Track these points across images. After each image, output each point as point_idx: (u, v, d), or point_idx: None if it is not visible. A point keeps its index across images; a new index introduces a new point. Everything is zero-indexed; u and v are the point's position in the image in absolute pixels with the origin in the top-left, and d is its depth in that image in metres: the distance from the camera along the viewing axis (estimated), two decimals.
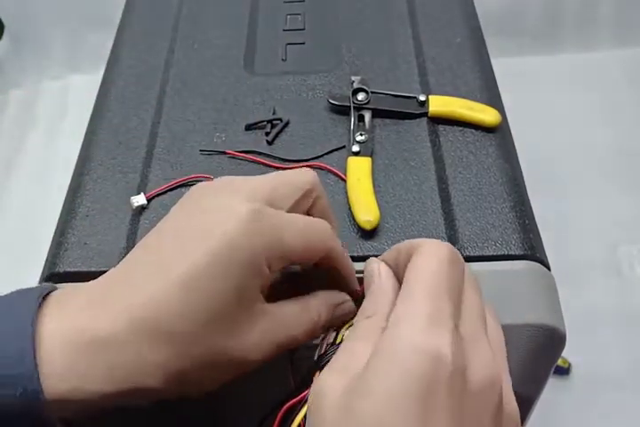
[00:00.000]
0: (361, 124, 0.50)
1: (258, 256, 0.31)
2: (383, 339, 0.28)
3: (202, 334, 0.31)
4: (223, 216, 0.31)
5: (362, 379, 0.27)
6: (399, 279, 0.33)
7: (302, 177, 0.35)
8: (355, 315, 0.34)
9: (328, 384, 0.28)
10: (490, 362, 0.29)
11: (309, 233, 0.34)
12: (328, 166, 0.47)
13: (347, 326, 0.36)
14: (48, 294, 0.32)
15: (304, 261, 0.35)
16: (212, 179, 0.47)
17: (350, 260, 0.37)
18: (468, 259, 0.43)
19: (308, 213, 0.36)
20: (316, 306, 0.35)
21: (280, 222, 0.32)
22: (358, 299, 0.35)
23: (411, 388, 0.26)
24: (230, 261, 0.30)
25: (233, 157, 0.49)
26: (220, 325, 0.31)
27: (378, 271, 0.34)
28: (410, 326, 0.28)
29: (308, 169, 0.37)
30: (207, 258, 0.30)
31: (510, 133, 0.52)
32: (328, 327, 0.36)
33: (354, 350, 0.29)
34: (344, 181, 0.47)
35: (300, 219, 0.34)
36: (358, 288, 0.37)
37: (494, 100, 0.53)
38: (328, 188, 0.46)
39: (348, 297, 0.37)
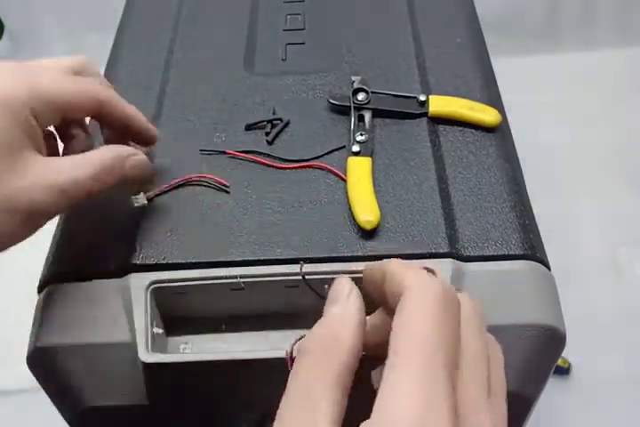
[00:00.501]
0: (361, 124, 0.50)
1: (17, 104, 0.35)
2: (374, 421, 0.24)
3: None
4: None
5: None
6: (376, 300, 0.30)
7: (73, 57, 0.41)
8: None
9: None
10: None
11: (75, 83, 0.39)
12: (328, 166, 0.47)
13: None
14: None
15: (79, 115, 0.40)
16: (213, 178, 0.47)
17: (133, 108, 0.43)
18: (469, 259, 0.43)
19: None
20: (98, 155, 0.39)
21: (40, 72, 0.37)
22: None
23: None
24: None
25: (233, 157, 0.49)
26: None
27: (347, 293, 0.29)
28: (401, 413, 0.23)
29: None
30: None
31: (510, 133, 0.52)
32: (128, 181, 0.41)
33: (310, 396, 0.25)
34: (344, 181, 0.47)
35: (62, 73, 0.39)
36: (150, 129, 0.44)
37: (494, 100, 0.53)
38: (328, 188, 0.46)
39: (138, 152, 0.42)
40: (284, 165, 0.48)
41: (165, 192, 0.47)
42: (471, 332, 0.28)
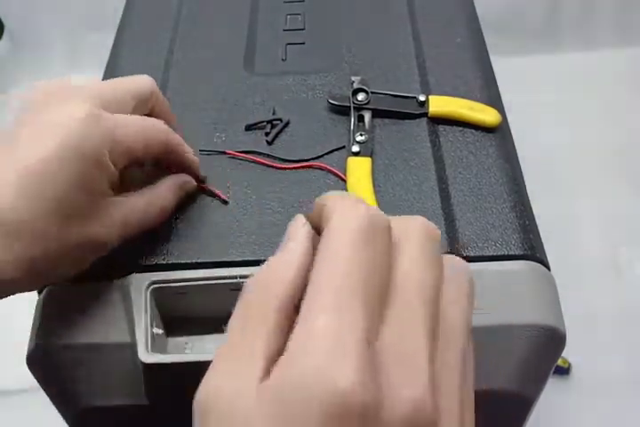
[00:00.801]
0: (361, 124, 0.50)
1: (98, 151, 0.37)
2: (278, 374, 0.23)
3: (45, 225, 0.35)
4: (64, 120, 0.37)
5: (261, 403, 0.22)
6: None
7: (139, 84, 0.42)
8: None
9: (223, 391, 0.24)
10: (418, 380, 0.23)
11: (145, 128, 0.40)
12: (328, 166, 0.47)
13: None
14: None
15: (146, 157, 0.41)
16: (214, 192, 0.47)
17: (191, 152, 0.45)
18: (469, 259, 0.43)
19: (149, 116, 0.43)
20: (163, 190, 0.43)
21: (115, 122, 0.38)
22: None
23: None
24: (70, 156, 0.35)
25: (233, 157, 0.49)
26: (65, 215, 0.35)
27: (296, 227, 0.27)
28: (304, 362, 0.22)
29: (145, 76, 0.43)
30: (47, 153, 0.35)
31: (510, 133, 0.52)
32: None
33: (243, 352, 0.24)
34: (344, 181, 0.46)
35: (134, 118, 0.40)
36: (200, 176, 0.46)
37: (494, 100, 0.53)
38: (328, 188, 0.46)
39: (190, 178, 0.45)
40: (283, 166, 0.48)
41: None
42: (413, 266, 0.25)
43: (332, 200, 0.27)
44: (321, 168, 0.48)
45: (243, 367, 0.24)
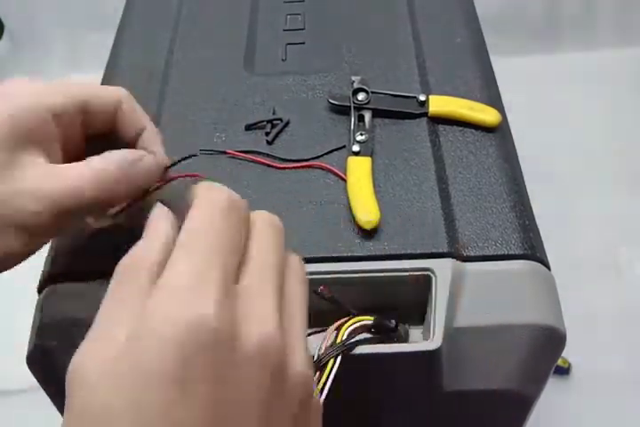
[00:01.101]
0: (361, 124, 0.50)
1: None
2: (144, 312, 0.26)
3: None
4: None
5: (119, 359, 0.25)
6: None
7: (111, 95, 0.40)
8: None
9: (88, 357, 0.26)
10: (268, 320, 0.27)
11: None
12: (328, 166, 0.47)
13: (346, 326, 0.36)
14: None
15: (97, 114, 0.39)
16: (204, 178, 0.44)
17: (139, 112, 0.41)
18: (469, 259, 0.43)
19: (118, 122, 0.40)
20: (101, 161, 0.36)
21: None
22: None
23: (165, 364, 0.24)
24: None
25: (233, 157, 0.49)
26: None
27: (157, 216, 0.31)
28: (169, 294, 0.26)
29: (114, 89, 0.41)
30: None
31: (510, 133, 0.52)
32: (142, 194, 0.39)
33: (112, 316, 0.28)
34: (344, 180, 0.47)
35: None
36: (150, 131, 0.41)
37: (494, 100, 0.53)
38: (328, 188, 0.46)
39: (142, 152, 0.39)
40: (283, 165, 0.48)
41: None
42: (263, 238, 0.31)
43: (199, 186, 0.31)
44: (321, 168, 0.48)
45: (104, 334, 0.27)
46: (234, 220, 0.30)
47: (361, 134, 0.49)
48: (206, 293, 0.26)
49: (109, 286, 0.29)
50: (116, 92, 0.40)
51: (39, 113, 0.36)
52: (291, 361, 0.28)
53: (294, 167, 0.48)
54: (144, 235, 0.30)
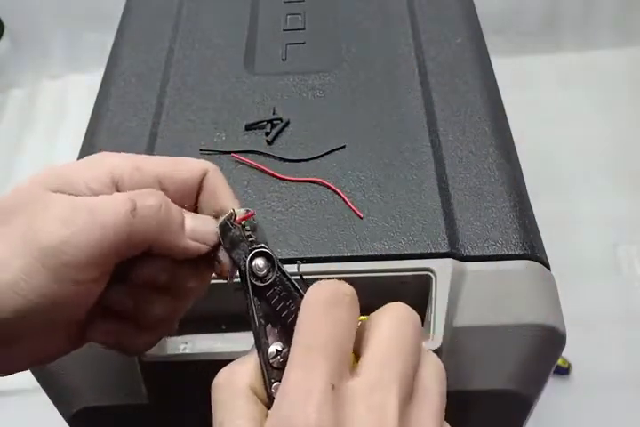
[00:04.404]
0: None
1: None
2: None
3: None
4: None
5: None
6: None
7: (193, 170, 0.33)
8: None
9: None
10: None
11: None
12: (327, 183, 0.46)
13: None
14: None
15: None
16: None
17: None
18: (469, 259, 0.43)
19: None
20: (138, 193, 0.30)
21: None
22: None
23: None
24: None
25: (233, 157, 0.49)
26: None
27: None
28: (278, 412, 0.26)
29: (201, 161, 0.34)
30: None
31: (510, 133, 0.52)
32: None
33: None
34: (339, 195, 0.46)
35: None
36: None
37: (494, 100, 0.53)
38: (327, 189, 0.46)
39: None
40: (283, 176, 0.47)
41: None
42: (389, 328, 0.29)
43: (317, 292, 0.29)
44: (323, 185, 0.47)
45: None
46: (343, 311, 0.28)
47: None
48: (309, 406, 0.25)
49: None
50: (198, 170, 0.34)
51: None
52: None
53: (295, 180, 0.47)
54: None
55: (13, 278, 0.28)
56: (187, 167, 0.33)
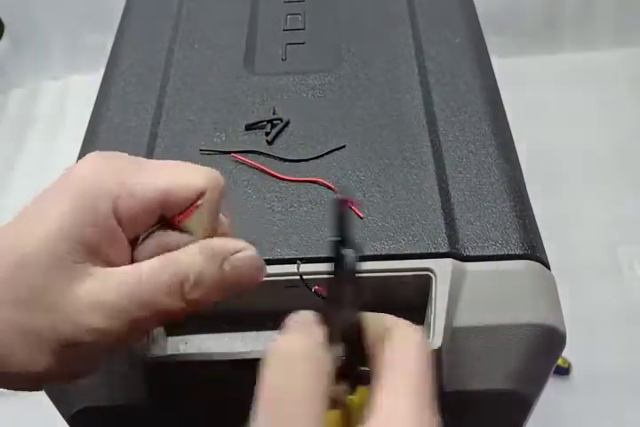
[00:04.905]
0: None
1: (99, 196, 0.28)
2: None
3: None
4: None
5: None
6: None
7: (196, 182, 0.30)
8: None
9: None
10: None
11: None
12: (326, 182, 0.47)
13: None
14: None
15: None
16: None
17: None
18: (469, 259, 0.43)
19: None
20: (187, 259, 0.28)
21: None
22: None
23: None
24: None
25: (233, 157, 0.49)
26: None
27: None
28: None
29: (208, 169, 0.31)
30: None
31: (510, 133, 0.52)
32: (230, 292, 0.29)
33: None
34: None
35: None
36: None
37: (494, 100, 0.53)
38: (327, 188, 0.46)
39: (244, 244, 0.29)
40: (283, 177, 0.47)
41: None
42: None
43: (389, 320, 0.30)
44: (322, 184, 0.47)
45: None
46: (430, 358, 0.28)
47: None
48: None
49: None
50: (194, 191, 0.30)
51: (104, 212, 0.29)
52: None
53: (295, 180, 0.47)
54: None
55: None
56: (184, 188, 0.30)
